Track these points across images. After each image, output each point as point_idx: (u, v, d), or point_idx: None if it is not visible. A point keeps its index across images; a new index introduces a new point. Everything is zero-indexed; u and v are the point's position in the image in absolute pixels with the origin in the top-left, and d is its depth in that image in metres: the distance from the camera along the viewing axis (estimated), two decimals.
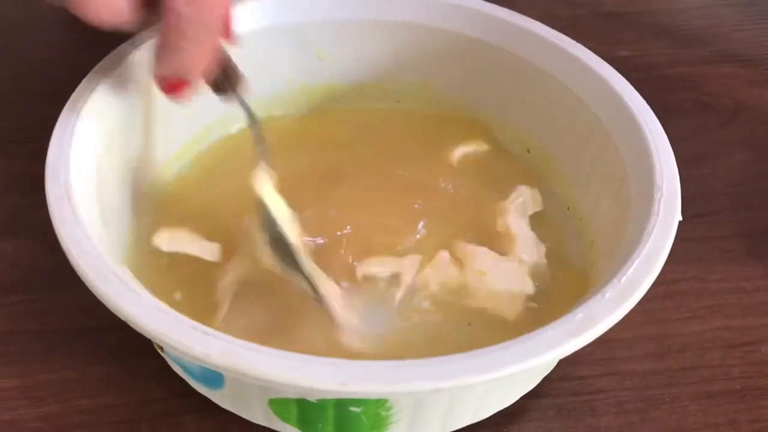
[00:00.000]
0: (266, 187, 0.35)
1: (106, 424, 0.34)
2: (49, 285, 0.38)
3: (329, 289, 0.34)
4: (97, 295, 0.28)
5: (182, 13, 0.31)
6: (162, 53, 0.32)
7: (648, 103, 0.38)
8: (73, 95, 0.35)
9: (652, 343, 0.38)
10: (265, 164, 0.35)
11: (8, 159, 0.44)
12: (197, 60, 0.32)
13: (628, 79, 0.38)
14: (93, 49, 0.37)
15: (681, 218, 0.33)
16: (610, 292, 0.29)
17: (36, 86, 0.49)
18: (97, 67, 0.37)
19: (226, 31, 0.34)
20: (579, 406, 0.36)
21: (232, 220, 0.37)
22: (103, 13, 0.30)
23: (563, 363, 0.36)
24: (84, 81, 0.36)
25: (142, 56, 0.37)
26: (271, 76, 0.43)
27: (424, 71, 0.44)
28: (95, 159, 0.34)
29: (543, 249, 0.38)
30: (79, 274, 0.29)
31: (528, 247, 0.38)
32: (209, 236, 0.37)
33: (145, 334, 0.28)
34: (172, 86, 0.33)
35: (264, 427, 0.33)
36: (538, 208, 0.40)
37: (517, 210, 0.39)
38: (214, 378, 0.31)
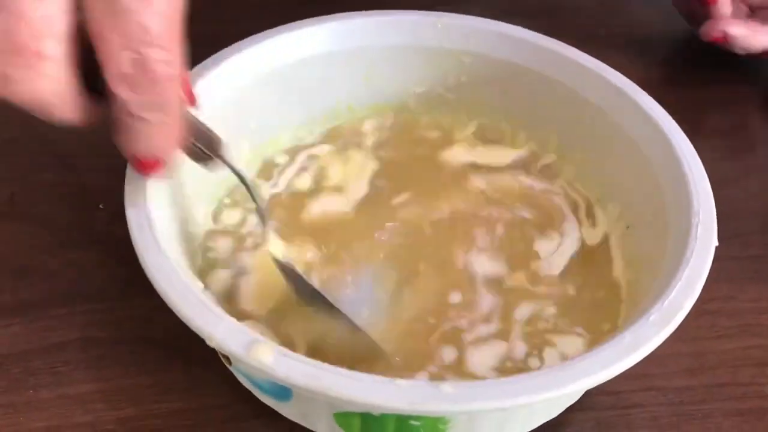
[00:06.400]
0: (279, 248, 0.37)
1: (177, 428, 0.36)
2: (121, 295, 0.40)
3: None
4: (182, 320, 0.30)
5: (128, 99, 0.28)
6: (123, 139, 0.30)
7: (686, 123, 0.39)
8: None
9: (685, 360, 0.40)
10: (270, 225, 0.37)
11: (82, 176, 0.46)
12: (165, 137, 0.31)
13: (668, 101, 0.40)
14: None
15: (717, 243, 0.34)
16: (654, 315, 0.32)
17: None
18: None
19: (189, 98, 0.34)
20: (615, 419, 0.37)
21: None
22: (50, 111, 0.28)
23: None
24: None
25: (223, 71, 0.40)
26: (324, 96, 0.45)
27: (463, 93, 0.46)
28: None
29: None
30: (164, 299, 0.31)
31: None
32: None
33: (230, 356, 0.30)
34: (148, 165, 0.32)
35: None
36: None
37: None
38: (283, 392, 0.33)
